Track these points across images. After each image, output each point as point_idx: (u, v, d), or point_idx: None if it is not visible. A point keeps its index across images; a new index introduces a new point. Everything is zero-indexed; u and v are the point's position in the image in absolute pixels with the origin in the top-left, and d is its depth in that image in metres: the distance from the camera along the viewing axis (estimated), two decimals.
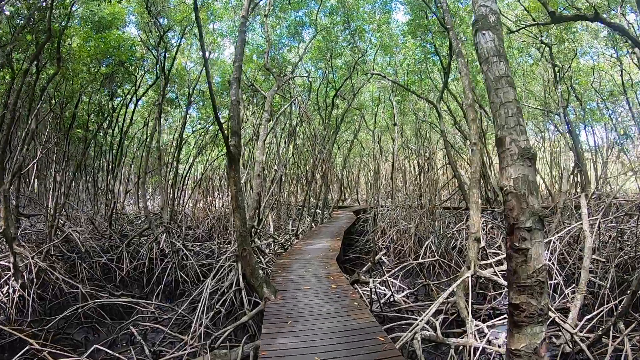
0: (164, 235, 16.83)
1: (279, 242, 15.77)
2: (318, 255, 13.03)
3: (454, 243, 18.72)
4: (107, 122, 27.31)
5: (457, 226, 19.59)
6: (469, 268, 10.61)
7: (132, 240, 19.72)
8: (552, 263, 13.97)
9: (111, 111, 26.59)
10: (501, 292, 13.27)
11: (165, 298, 15.61)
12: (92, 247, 18.31)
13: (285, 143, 19.53)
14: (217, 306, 12.21)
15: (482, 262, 11.29)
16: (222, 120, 23.62)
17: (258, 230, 14.31)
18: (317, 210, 22.01)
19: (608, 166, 28.84)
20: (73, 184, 29.84)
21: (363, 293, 12.13)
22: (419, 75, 25.21)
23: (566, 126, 21.62)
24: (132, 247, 19.45)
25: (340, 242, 15.40)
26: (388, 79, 21.16)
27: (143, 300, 13.33)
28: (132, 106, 26.95)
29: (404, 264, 12.53)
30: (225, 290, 13.16)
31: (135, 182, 33.87)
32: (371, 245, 19.83)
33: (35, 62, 18.32)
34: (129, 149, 34.46)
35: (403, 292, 13.46)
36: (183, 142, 31.03)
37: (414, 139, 32.23)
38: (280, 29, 23.22)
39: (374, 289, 10.44)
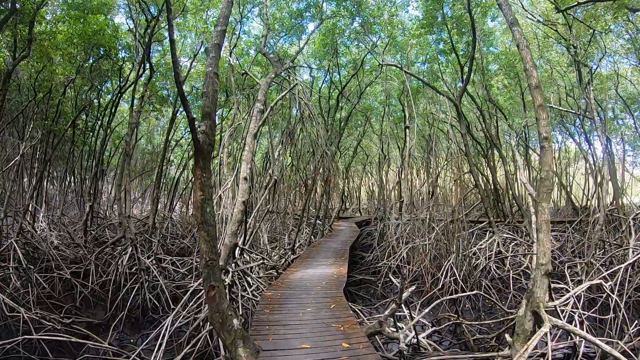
0: (130, 250, 13.26)
1: (270, 263, 12.09)
2: (320, 283, 9.46)
3: (474, 262, 15.24)
4: (94, 119, 23.82)
5: (480, 244, 16.09)
6: (536, 315, 7.12)
7: (105, 250, 16.20)
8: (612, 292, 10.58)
9: (97, 107, 23.16)
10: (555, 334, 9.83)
11: (130, 327, 12.06)
12: (54, 258, 14.78)
13: (282, 144, 15.99)
14: (186, 350, 8.71)
15: (551, 304, 7.77)
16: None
17: (244, 249, 10.73)
18: (317, 222, 18.40)
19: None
20: (62, 184, 26.55)
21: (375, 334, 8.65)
22: (432, 76, 21.79)
23: (597, 132, 18.19)
24: (104, 260, 15.95)
25: (346, 264, 11.82)
26: (405, 71, 17.63)
27: (85, 340, 9.61)
28: (121, 103, 23.79)
29: (436, 301, 8.95)
30: (201, 324, 9.66)
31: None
32: (379, 265, 16.25)
33: (13, 48, 15.67)
34: (118, 149, 30.93)
35: (425, 330, 9.95)
36: (175, 143, 27.65)
37: (419, 147, 28.79)
38: (281, 22, 19.67)
39: (407, 351, 6.85)
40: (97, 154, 21.86)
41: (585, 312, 10.68)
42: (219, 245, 10.23)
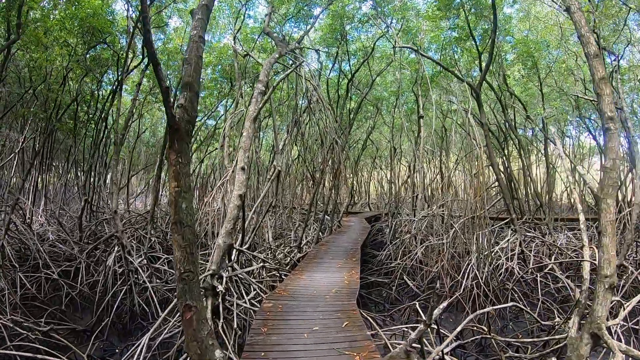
0: (116, 249, 11.79)
1: (272, 266, 10.44)
2: (328, 292, 7.88)
3: (495, 263, 13.58)
4: (94, 110, 22.31)
5: (502, 243, 14.43)
6: (595, 337, 5.58)
7: (98, 247, 14.77)
8: None
9: (97, 98, 21.71)
10: None
11: (117, 334, 10.58)
12: (42, 256, 13.35)
13: (288, 132, 14.29)
14: None
15: (610, 323, 6.23)
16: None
17: (242, 250, 9.14)
18: (326, 217, 16.78)
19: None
20: (65, 177, 25.21)
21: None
22: (446, 63, 20.09)
23: (623, 123, 16.49)
24: (96, 258, 14.50)
25: (358, 266, 10.17)
26: (422, 54, 15.94)
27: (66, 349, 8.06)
28: (122, 94, 22.39)
29: (471, 315, 7.27)
30: None
31: (129, 178, 29.03)
32: (392, 265, 14.64)
33: (7, 35, 14.44)
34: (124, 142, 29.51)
35: (449, 344, 8.36)
36: None
37: (430, 141, 27.09)
38: (287, 2, 17.99)
39: None
40: (95, 146, 20.44)
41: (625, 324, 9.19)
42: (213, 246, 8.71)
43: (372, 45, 19.19)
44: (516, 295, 11.89)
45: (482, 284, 11.85)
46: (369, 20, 17.62)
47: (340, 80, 22.03)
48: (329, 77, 22.51)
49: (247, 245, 10.12)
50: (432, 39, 20.29)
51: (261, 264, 9.52)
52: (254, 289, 8.46)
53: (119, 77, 18.51)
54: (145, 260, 11.65)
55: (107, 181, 25.62)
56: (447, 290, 12.06)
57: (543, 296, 11.84)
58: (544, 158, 32.71)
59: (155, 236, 17.50)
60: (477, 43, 17.17)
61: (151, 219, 16.41)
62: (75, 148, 22.98)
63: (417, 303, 9.65)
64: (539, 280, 12.22)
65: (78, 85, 19.44)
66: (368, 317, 8.89)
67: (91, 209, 19.25)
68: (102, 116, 20.45)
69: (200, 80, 21.72)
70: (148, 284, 10.35)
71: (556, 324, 9.33)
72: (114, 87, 19.55)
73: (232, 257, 8.35)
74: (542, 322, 9.10)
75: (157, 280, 12.02)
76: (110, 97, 19.84)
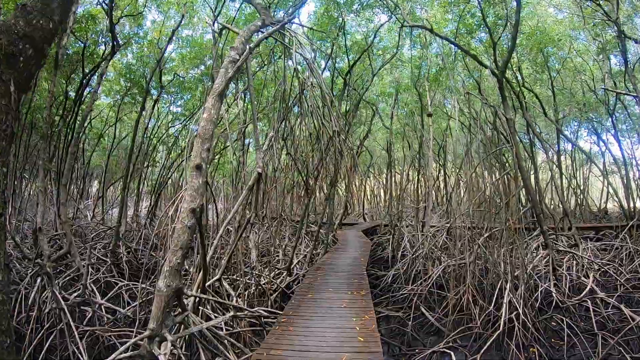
0: (38, 281, 8.70)
1: (250, 312, 7.11)
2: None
3: (527, 284, 10.56)
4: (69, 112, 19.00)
5: (535, 260, 11.49)
6: None
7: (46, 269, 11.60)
8: None
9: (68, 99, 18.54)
10: None
11: None
12: None
13: (273, 129, 11.05)
14: None
15: None
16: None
17: (201, 297, 5.89)
18: (321, 231, 13.57)
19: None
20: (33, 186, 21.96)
21: None
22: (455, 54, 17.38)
23: None
24: (43, 282, 11.33)
25: (371, 305, 6.83)
26: (436, 34, 12.81)
27: None
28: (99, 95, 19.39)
29: None
30: None
31: (106, 187, 25.82)
32: (404, 292, 11.51)
33: None
34: (98, 148, 26.33)
35: None
36: (157, 140, 23.08)
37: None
38: None
39: None
40: (63, 150, 17.30)
41: None
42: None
43: (372, 36, 16.42)
44: (565, 326, 8.92)
45: (521, 315, 8.87)
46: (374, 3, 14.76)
47: (335, 78, 19.11)
48: (322, 72, 19.60)
49: (218, 276, 7.05)
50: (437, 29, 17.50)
51: (231, 315, 6.24)
52: (222, 353, 5.31)
53: (86, 74, 15.60)
54: (76, 299, 8.49)
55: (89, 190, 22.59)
56: (479, 324, 9.04)
57: (604, 329, 8.90)
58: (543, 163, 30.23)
59: (124, 252, 14.45)
60: (491, 33, 14.36)
61: (116, 237, 13.34)
62: (48, 153, 19.82)
63: (452, 354, 6.70)
64: (591, 308, 9.31)
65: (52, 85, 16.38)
66: None
67: (60, 220, 16.15)
68: (72, 119, 17.37)
69: (182, 79, 18.62)
70: (75, 329, 7.17)
71: None
72: (81, 81, 16.45)
73: (187, 307, 5.26)
74: None
75: (108, 317, 8.92)
76: (79, 96, 16.84)
